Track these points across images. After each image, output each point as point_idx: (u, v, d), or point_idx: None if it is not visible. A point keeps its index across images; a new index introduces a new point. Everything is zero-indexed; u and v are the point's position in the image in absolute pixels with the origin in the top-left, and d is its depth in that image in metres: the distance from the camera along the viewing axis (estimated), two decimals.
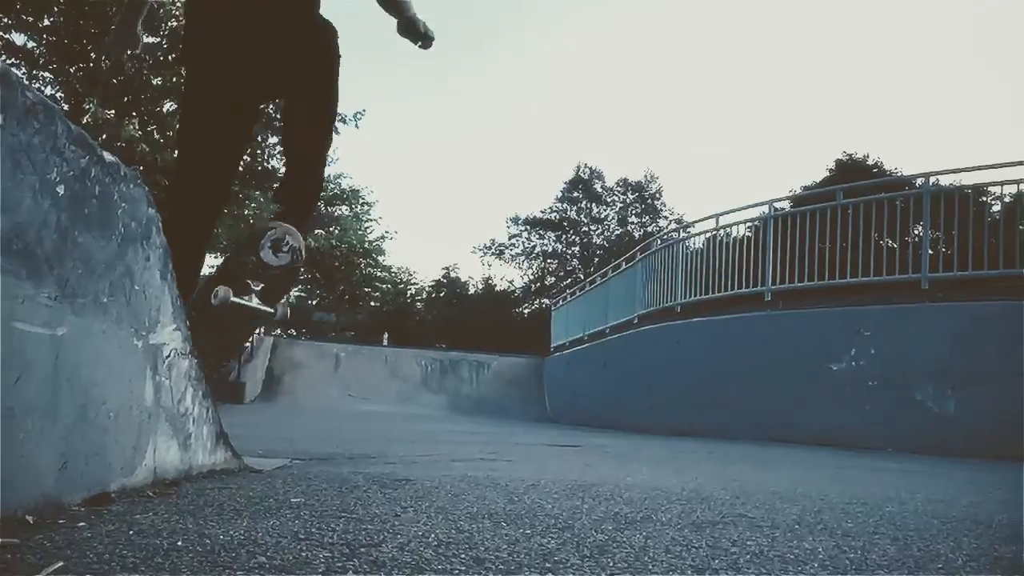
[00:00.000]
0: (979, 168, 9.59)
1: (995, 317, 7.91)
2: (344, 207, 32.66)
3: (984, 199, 13.01)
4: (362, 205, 33.14)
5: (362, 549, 1.38)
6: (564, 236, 38.85)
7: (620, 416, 13.05)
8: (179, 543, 1.40)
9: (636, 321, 13.89)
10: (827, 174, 27.77)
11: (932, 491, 3.36)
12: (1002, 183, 9.72)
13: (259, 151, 16.53)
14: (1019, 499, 3.12)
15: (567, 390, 17.97)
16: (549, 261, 38.89)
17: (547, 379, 20.10)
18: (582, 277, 30.90)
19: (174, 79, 14.70)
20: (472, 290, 38.87)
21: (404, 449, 5.06)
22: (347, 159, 62.76)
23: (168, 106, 15.44)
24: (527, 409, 18.26)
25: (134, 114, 14.91)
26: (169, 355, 2.38)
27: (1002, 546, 1.83)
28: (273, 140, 16.73)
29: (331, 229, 31.16)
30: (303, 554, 1.32)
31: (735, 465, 4.73)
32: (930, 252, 9.37)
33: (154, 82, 14.71)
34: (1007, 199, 10.56)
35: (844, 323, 8.98)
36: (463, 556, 1.36)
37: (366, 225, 33.27)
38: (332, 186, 31.58)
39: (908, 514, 2.41)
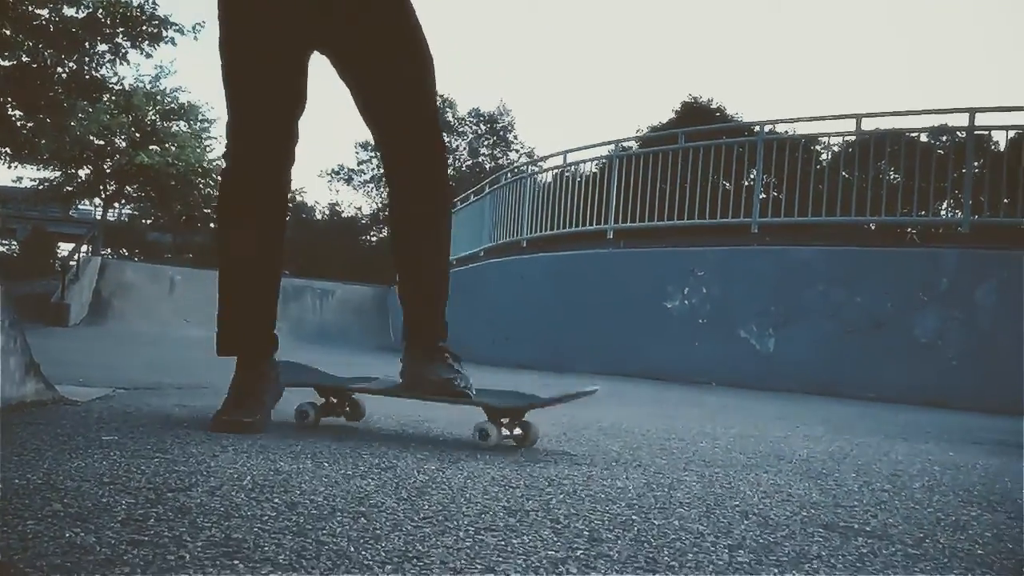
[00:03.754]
0: (812, 119, 10.11)
1: (813, 262, 8.43)
2: (181, 123, 30.94)
3: (815, 148, 13.72)
4: (201, 122, 31.50)
5: (169, 494, 1.33)
6: None
7: (464, 348, 13.08)
8: None
9: (482, 254, 13.98)
10: (673, 115, 28.55)
11: (745, 426, 3.58)
12: (830, 134, 10.28)
13: (87, 59, 15.37)
14: (818, 434, 3.37)
15: None
16: None
17: (392, 309, 20.01)
18: None
19: None
20: (318, 216, 38.02)
21: None
22: (185, 72, 59.52)
23: None
24: (371, 338, 18.17)
25: None
26: None
27: (796, 482, 1.97)
28: (103, 48, 15.59)
29: (167, 146, 29.51)
30: (104, 500, 1.26)
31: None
32: (763, 196, 9.86)
33: None
34: (835, 149, 11.19)
35: (679, 263, 9.35)
36: (275, 500, 1.33)
37: (205, 143, 31.71)
38: (168, 100, 29.85)
39: (719, 450, 2.56)
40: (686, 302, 9.17)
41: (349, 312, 20.04)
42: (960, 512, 1.71)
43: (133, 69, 36.86)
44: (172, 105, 30.31)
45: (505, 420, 2.25)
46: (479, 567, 1.03)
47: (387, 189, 2.54)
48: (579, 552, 1.14)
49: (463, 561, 1.05)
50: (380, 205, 38.00)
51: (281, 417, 2.46)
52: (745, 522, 1.43)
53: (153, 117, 29.87)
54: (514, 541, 1.17)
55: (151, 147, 29.11)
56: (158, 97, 29.65)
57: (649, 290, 9.56)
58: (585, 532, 1.26)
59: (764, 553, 1.21)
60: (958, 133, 8.73)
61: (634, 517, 1.40)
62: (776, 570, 1.12)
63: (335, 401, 2.51)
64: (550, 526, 1.29)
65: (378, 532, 1.17)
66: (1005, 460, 2.96)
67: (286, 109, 2.36)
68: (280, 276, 2.52)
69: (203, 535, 1.09)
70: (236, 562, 0.97)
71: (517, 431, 2.27)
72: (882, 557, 1.25)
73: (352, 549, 1.07)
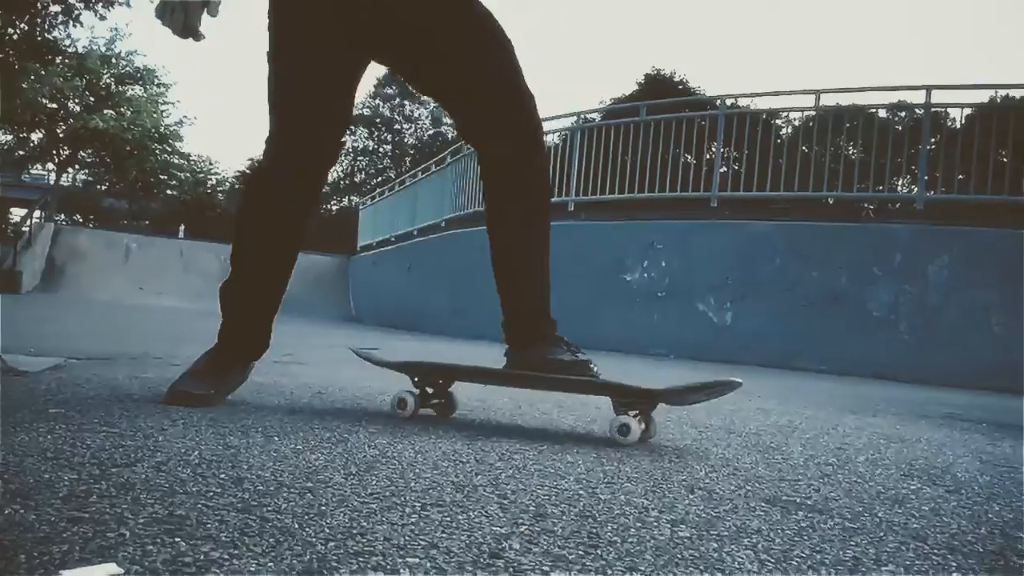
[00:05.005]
0: (773, 94, 10.18)
1: (771, 236, 8.52)
2: (137, 87, 30.33)
3: (775, 122, 13.79)
4: (158, 86, 30.91)
5: (114, 470, 1.32)
6: (376, 133, 38.07)
7: (424, 319, 13.17)
8: None
9: (443, 225, 13.93)
10: (637, 88, 28.57)
11: None
12: (790, 109, 10.35)
13: (38, 20, 14.95)
14: (770, 407, 3.42)
15: (372, 291, 17.90)
16: (360, 158, 38.07)
17: (352, 279, 19.92)
18: (393, 176, 30.53)
19: None
20: None
21: (193, 349, 4.84)
22: (141, 35, 58.30)
23: None
24: (330, 309, 18.08)
25: None
26: None
27: (744, 456, 2.00)
28: (55, 9, 15.15)
29: (122, 110, 28.91)
30: (46, 476, 1.25)
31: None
32: (723, 169, 9.92)
33: None
34: (795, 124, 11.27)
35: (639, 236, 9.40)
36: (222, 476, 1.33)
37: (162, 108, 31.14)
38: (124, 63, 29.22)
39: (671, 423, 2.59)
40: (645, 275, 9.23)
41: (309, 282, 19.85)
42: (900, 486, 1.75)
43: (87, 31, 36.00)
44: (127, 69, 29.73)
45: (632, 412, 2.05)
46: (423, 543, 1.04)
47: (484, 189, 2.38)
48: (523, 528, 1.15)
49: (407, 538, 1.05)
50: (341, 174, 37.63)
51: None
52: (690, 497, 1.46)
53: (108, 81, 29.27)
54: (460, 517, 1.18)
55: (106, 111, 28.53)
56: (113, 60, 29.04)
57: (609, 263, 9.60)
58: (531, 507, 1.28)
59: (706, 528, 1.24)
60: (916, 110, 8.84)
61: (581, 492, 1.42)
62: (715, 544, 1.14)
63: (430, 392, 2.31)
64: (497, 501, 1.30)
65: (324, 508, 1.17)
66: (949, 433, 3.03)
67: (336, 131, 2.31)
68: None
69: (145, 512, 1.08)
70: (177, 540, 0.97)
71: (642, 425, 2.07)
72: (820, 531, 1.27)
73: (296, 526, 1.07)
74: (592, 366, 2.19)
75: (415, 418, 2.21)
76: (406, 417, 2.21)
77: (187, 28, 2.13)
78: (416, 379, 2.30)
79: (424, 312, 13.46)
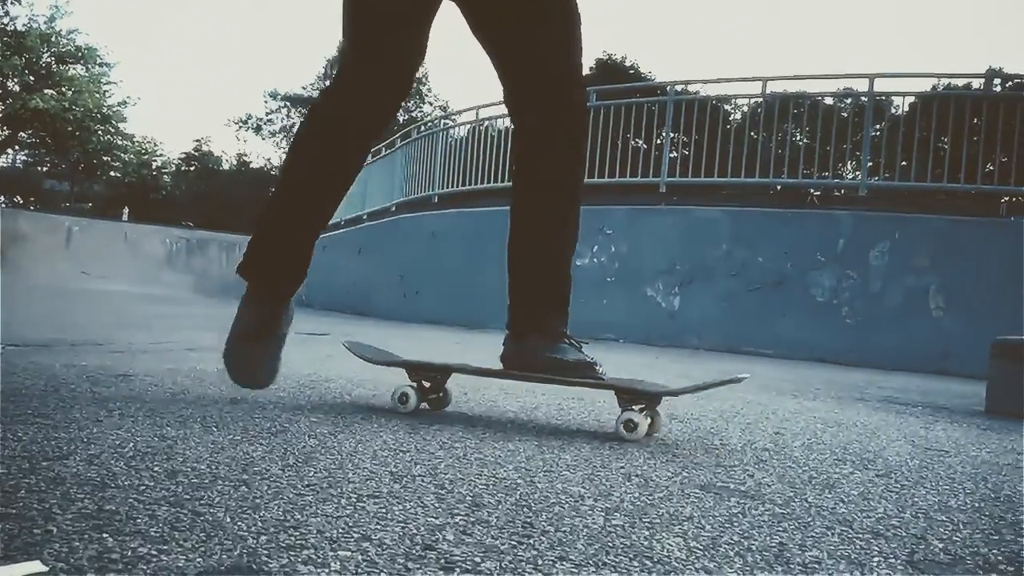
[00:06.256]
0: (721, 80, 10.27)
1: (718, 221, 8.63)
2: (79, 66, 29.57)
3: (726, 108, 13.92)
4: (100, 66, 30.17)
5: (45, 463, 1.30)
6: None
7: (375, 304, 13.10)
8: None
9: (394, 209, 13.84)
10: (588, 72, 28.62)
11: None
12: (737, 96, 10.45)
13: None
14: (712, 392, 3.47)
15: (322, 275, 17.70)
16: None
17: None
18: None
19: None
20: (226, 166, 36.97)
21: (136, 335, 4.78)
22: (82, 13, 56.91)
23: None
24: None
25: None
26: None
27: (684, 442, 2.04)
28: None
29: (63, 90, 28.17)
30: None
31: (474, 357, 4.89)
32: (672, 155, 10.00)
33: None
34: (744, 110, 11.39)
35: (588, 221, 9.35)
36: (156, 469, 1.31)
37: (104, 88, 30.42)
38: (65, 42, 28.47)
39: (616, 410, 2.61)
40: (595, 260, 9.28)
41: None
42: (832, 470, 1.80)
43: (26, 8, 34.98)
44: (69, 47, 28.97)
45: (637, 407, 2.03)
46: (356, 536, 1.04)
47: (516, 165, 2.32)
48: (458, 518, 1.16)
49: (340, 530, 1.06)
50: None
51: (173, 376, 2.41)
52: (627, 484, 1.48)
53: (48, 60, 28.51)
54: (395, 508, 1.19)
55: (46, 91, 27.81)
56: (53, 38, 28.30)
57: None
58: (468, 497, 1.28)
59: (639, 515, 1.26)
60: (861, 97, 9.00)
61: (519, 481, 1.43)
62: (647, 532, 1.16)
63: (427, 386, 2.25)
64: (434, 492, 1.30)
65: (258, 501, 1.17)
66: (885, 417, 3.11)
67: (417, 64, 2.15)
68: None
69: (74, 507, 1.07)
70: (105, 535, 0.96)
71: (648, 420, 2.05)
72: (750, 517, 1.30)
73: (228, 520, 1.06)
74: (597, 367, 2.15)
75: (415, 413, 2.19)
76: (407, 412, 2.17)
77: None
78: (414, 375, 2.24)
79: (375, 297, 13.39)
